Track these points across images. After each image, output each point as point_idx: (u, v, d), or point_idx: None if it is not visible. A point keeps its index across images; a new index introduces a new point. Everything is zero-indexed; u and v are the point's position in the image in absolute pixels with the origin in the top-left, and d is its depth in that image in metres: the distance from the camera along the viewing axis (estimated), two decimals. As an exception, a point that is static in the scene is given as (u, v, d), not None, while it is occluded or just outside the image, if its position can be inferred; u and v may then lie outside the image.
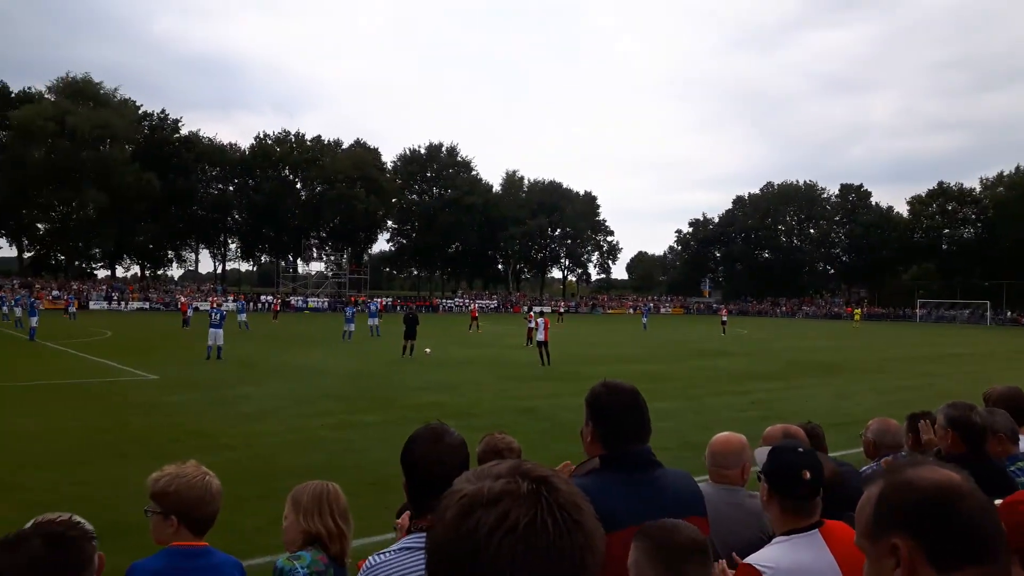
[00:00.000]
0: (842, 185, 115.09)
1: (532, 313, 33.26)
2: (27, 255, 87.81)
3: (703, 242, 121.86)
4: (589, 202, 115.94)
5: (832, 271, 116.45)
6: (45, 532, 1.87)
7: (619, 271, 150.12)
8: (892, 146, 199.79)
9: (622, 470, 2.52)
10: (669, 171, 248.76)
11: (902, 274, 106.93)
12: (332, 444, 11.99)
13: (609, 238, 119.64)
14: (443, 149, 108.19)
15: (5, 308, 47.80)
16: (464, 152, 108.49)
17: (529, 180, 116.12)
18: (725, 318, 51.75)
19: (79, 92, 79.60)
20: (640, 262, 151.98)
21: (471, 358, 27.42)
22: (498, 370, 23.52)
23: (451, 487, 0.96)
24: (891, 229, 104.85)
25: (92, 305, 67.85)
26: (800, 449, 2.82)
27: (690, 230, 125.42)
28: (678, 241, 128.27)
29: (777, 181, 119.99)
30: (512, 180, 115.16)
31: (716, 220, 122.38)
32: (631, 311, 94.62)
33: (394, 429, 13.27)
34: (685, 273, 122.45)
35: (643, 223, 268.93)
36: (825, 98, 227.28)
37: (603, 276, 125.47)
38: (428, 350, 27.91)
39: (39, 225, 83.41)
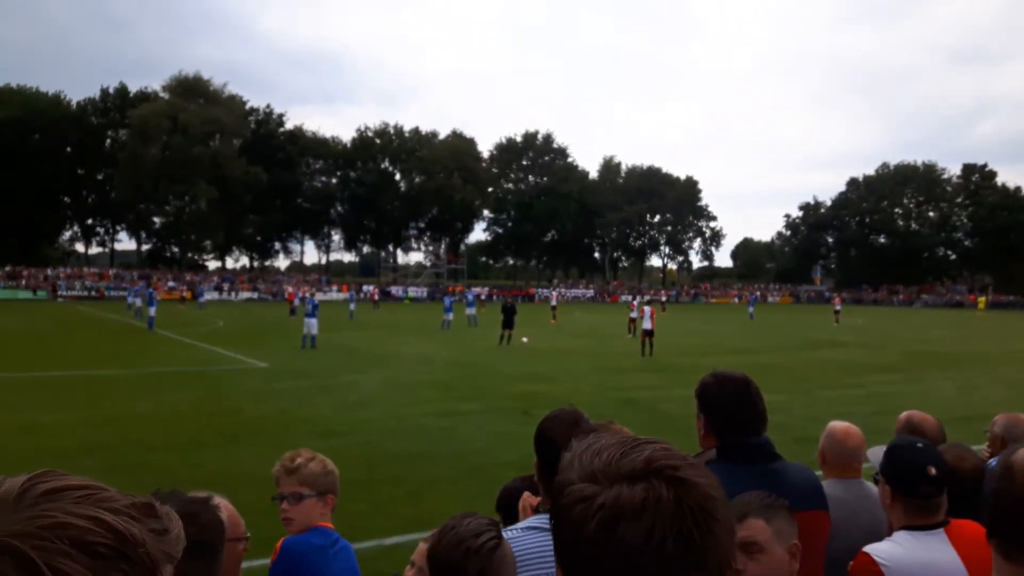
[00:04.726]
0: (964, 165, 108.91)
1: (635, 302, 32.78)
2: (144, 248, 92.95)
3: (814, 227, 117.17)
4: (690, 187, 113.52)
5: (954, 256, 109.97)
6: (184, 499, 1.81)
7: (723, 258, 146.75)
8: (1022, 122, 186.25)
9: (741, 461, 2.46)
10: (777, 153, 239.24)
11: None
12: (434, 432, 12.09)
13: (712, 224, 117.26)
14: (539, 137, 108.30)
15: (129, 299, 50.56)
16: (560, 139, 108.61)
17: (627, 166, 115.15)
18: (838, 307, 49.55)
19: (191, 90, 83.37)
20: (746, 249, 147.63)
21: (569, 348, 27.27)
22: (596, 360, 23.28)
23: (570, 479, 0.91)
24: (1019, 211, 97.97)
25: (204, 295, 70.98)
26: (919, 444, 2.66)
27: (800, 214, 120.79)
28: (787, 226, 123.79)
29: (893, 162, 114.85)
30: (609, 166, 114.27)
31: (828, 203, 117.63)
32: (736, 300, 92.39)
33: (493, 418, 13.34)
34: (794, 260, 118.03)
35: (749, 208, 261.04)
36: (948, 73, 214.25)
37: (705, 264, 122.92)
38: (525, 339, 27.95)
39: (155, 219, 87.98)
